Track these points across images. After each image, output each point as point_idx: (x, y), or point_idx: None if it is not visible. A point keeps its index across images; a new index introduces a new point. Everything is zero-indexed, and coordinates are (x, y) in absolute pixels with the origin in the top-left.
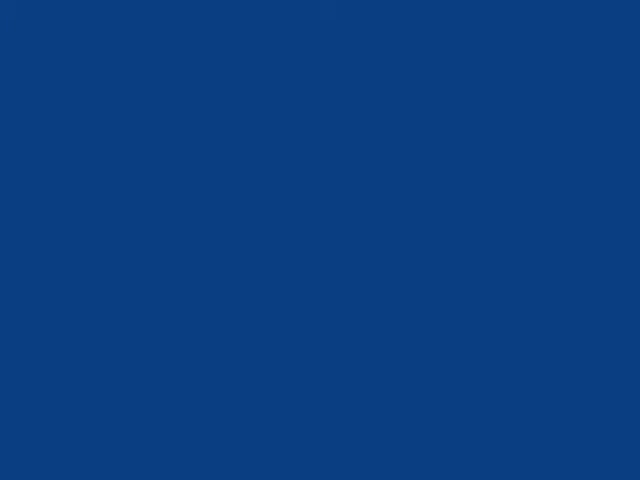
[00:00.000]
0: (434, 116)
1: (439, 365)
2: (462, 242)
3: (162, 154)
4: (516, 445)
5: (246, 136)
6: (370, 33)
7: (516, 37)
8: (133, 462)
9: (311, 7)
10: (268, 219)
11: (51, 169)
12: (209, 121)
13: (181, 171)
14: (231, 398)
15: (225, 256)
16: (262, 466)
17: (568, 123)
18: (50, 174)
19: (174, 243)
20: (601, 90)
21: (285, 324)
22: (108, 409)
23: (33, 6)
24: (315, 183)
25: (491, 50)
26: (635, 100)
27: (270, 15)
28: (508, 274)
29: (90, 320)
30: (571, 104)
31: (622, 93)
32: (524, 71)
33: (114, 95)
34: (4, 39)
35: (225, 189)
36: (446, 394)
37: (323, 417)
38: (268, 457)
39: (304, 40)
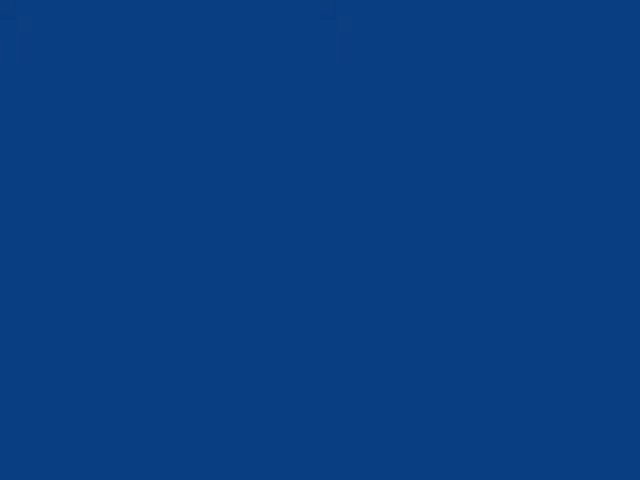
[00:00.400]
0: (434, 117)
1: (439, 365)
2: (462, 242)
3: (162, 153)
4: (516, 445)
5: (245, 136)
6: (370, 33)
7: (516, 38)
8: (133, 462)
9: (311, 8)
10: (268, 219)
11: (51, 169)
12: (209, 121)
13: (181, 171)
14: (231, 398)
15: (225, 256)
16: (262, 466)
17: (568, 123)
18: (50, 174)
19: (174, 243)
20: (601, 90)
21: (285, 324)
22: (108, 409)
23: (33, 6)
24: (315, 183)
25: (491, 52)
26: (635, 100)
27: (270, 15)
28: (508, 274)
29: (90, 320)
30: (571, 104)
31: (622, 93)
32: (524, 73)
33: (114, 95)
34: (4, 41)
35: (224, 189)
36: (446, 394)
37: (323, 417)
38: (268, 457)
39: (304, 40)
